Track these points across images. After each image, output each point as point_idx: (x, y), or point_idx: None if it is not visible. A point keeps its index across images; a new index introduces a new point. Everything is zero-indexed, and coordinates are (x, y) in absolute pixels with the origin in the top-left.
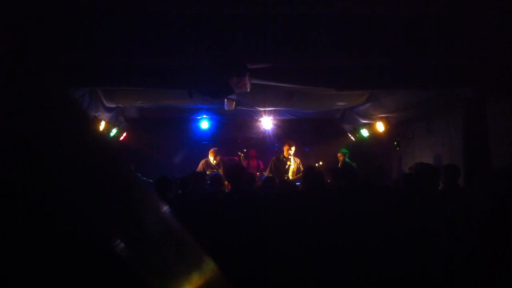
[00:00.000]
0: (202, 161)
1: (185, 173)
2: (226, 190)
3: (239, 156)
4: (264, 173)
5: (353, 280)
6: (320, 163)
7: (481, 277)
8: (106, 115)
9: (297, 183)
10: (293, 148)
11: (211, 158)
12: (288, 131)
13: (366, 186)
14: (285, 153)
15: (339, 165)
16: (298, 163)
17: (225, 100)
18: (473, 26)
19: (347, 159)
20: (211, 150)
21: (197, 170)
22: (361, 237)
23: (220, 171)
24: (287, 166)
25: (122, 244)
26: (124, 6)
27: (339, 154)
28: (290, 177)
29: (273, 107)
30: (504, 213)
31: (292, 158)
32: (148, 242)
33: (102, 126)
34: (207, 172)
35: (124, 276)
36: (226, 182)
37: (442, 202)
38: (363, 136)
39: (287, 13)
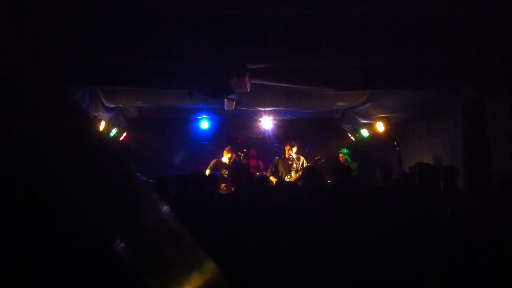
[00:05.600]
0: (213, 162)
1: (183, 173)
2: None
3: (239, 156)
4: (264, 173)
5: (353, 280)
6: (319, 155)
7: (480, 277)
8: (106, 115)
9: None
10: (294, 149)
11: (226, 157)
12: (288, 131)
13: (361, 185)
14: (286, 154)
15: None
16: (301, 161)
17: (225, 100)
18: (473, 26)
19: (349, 160)
20: (227, 148)
21: (207, 169)
22: (360, 237)
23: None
24: (288, 166)
25: (122, 244)
26: (124, 6)
27: (340, 155)
28: (292, 176)
29: (273, 107)
30: (503, 213)
31: (294, 157)
32: (148, 242)
33: (102, 126)
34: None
35: (124, 276)
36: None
37: (442, 202)
38: (363, 136)
39: (287, 13)
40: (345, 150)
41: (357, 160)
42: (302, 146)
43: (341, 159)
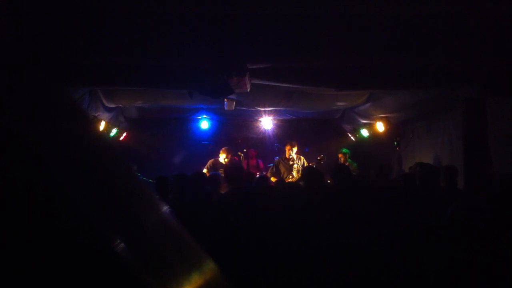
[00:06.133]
0: (210, 161)
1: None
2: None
3: (239, 156)
4: (264, 173)
5: (353, 280)
6: (322, 155)
7: (480, 277)
8: (106, 115)
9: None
10: (294, 149)
11: (222, 157)
12: (288, 131)
13: (359, 185)
14: (286, 154)
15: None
16: (302, 161)
17: (225, 100)
18: (473, 26)
19: (348, 160)
20: (223, 148)
21: (204, 169)
22: (360, 237)
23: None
24: (290, 166)
25: (122, 244)
26: (124, 6)
27: (340, 155)
28: (295, 176)
29: (273, 107)
30: (503, 213)
31: (294, 157)
32: (148, 242)
33: (102, 126)
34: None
35: (124, 276)
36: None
37: (442, 202)
38: (363, 136)
39: (287, 13)
40: (345, 150)
41: (357, 160)
42: (302, 146)
43: (341, 159)
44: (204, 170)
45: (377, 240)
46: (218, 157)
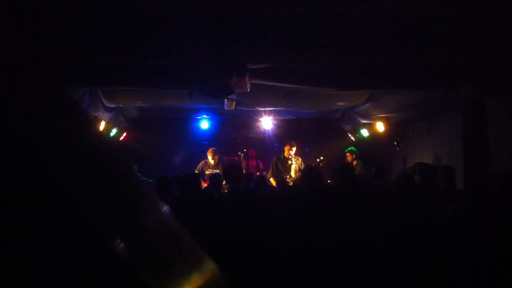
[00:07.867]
0: (201, 162)
1: (184, 173)
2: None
3: (239, 156)
4: (264, 173)
5: (353, 280)
6: (321, 157)
7: (480, 277)
8: (106, 115)
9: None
10: (294, 149)
11: (209, 158)
12: (288, 131)
13: (361, 185)
14: (285, 153)
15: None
16: (299, 162)
17: (225, 100)
18: (473, 26)
19: (357, 160)
20: (209, 150)
21: (195, 171)
22: (361, 237)
23: (219, 171)
24: (288, 165)
25: (122, 244)
26: (124, 6)
27: (347, 154)
28: (293, 176)
29: (273, 107)
30: (503, 213)
31: (293, 157)
32: (148, 242)
33: (102, 126)
34: (206, 173)
35: (124, 276)
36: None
37: (442, 202)
38: (363, 136)
39: (287, 13)
40: (352, 149)
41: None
42: (302, 146)
43: (348, 158)
44: (196, 172)
45: (377, 240)
46: (220, 156)
